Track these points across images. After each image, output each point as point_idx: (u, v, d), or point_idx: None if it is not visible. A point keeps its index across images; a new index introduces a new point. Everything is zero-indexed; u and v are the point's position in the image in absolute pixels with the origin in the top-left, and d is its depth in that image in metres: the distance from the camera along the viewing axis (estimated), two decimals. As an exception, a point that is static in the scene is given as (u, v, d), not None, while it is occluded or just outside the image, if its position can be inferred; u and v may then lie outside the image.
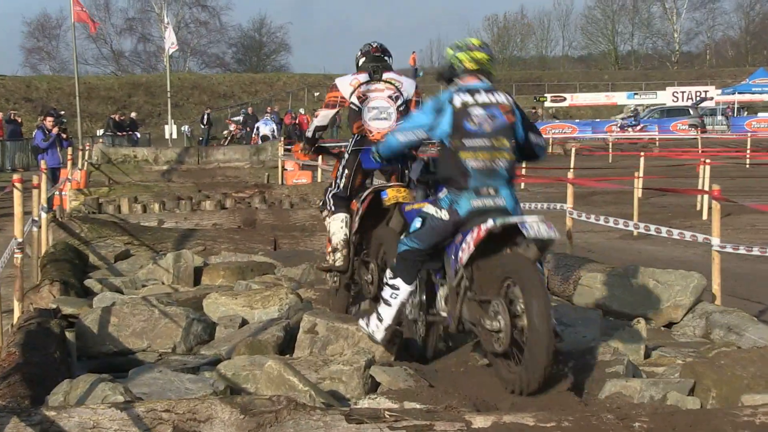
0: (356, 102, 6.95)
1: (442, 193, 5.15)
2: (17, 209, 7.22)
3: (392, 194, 6.51)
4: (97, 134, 41.30)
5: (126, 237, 10.68)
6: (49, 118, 18.56)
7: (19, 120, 38.45)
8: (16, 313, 6.75)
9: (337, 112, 7.22)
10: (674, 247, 11.88)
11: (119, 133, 38.47)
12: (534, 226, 4.71)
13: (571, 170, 11.26)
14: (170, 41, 37.19)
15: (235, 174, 19.55)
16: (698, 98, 52.00)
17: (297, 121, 42.17)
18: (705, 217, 14.48)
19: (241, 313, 6.55)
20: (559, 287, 7.83)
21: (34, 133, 19.25)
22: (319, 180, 19.49)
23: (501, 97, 5.19)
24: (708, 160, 16.91)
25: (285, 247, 10.86)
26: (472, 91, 5.13)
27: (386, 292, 5.36)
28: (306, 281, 8.30)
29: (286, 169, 20.11)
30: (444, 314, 5.22)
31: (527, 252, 4.76)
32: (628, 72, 70.80)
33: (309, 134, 7.28)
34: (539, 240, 4.70)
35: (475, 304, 4.88)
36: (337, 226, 6.87)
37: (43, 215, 9.96)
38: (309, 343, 5.54)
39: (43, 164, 11.58)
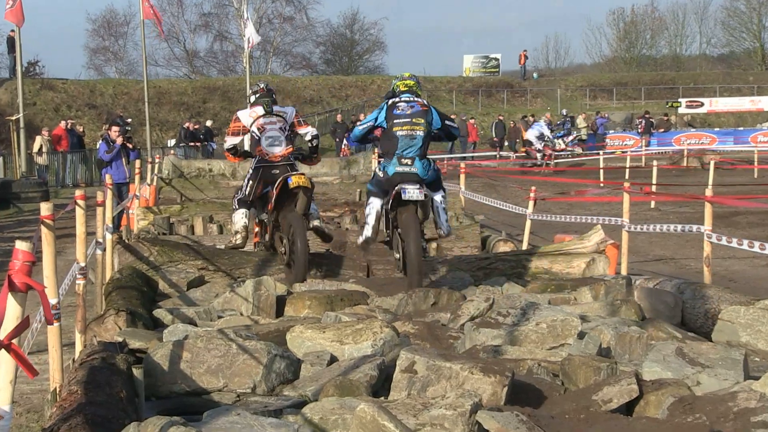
0: (256, 132, 11.31)
1: (381, 162, 9.98)
2: (80, 230, 7.34)
3: (295, 180, 10.65)
4: (168, 145, 42.22)
5: (200, 261, 10.78)
6: (114, 128, 18.92)
7: (81, 129, 39.37)
8: (78, 347, 6.87)
9: (241, 138, 11.56)
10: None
11: (193, 144, 39.29)
12: (410, 192, 9.52)
13: (710, 187, 11.16)
14: (250, 39, 37.78)
15: (322, 190, 19.57)
16: None
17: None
18: None
19: (329, 348, 6.58)
20: (696, 322, 7.74)
21: (98, 145, 19.60)
22: None
23: (419, 100, 10.10)
24: None
25: (379, 274, 10.89)
26: (400, 97, 10.06)
27: (366, 209, 10.08)
28: (403, 313, 8.32)
29: None
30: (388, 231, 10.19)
31: (411, 208, 9.66)
32: (776, 73, 69.17)
33: (226, 150, 11.78)
34: (416, 200, 9.58)
35: (394, 231, 10.06)
36: (239, 217, 11.46)
37: (108, 236, 10.19)
38: (407, 383, 5.53)
39: (108, 179, 11.85)
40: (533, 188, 14.89)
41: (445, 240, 13.11)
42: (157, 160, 22.98)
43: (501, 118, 49.41)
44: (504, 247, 13.63)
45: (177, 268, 10.56)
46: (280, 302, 8.84)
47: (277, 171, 11.09)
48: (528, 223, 14.63)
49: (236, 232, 11.44)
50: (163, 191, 19.51)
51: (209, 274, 10.64)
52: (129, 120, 34.23)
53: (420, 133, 9.68)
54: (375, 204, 9.96)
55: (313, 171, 21.27)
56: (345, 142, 39.06)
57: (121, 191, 17.61)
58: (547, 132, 40.91)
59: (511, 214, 18.18)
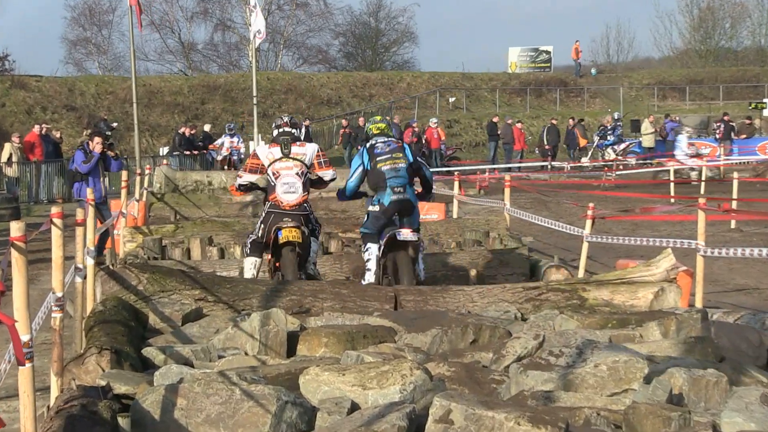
0: (272, 177, 12.79)
1: (374, 197, 12.59)
2: (56, 254, 7.29)
3: (285, 234, 12.54)
4: (161, 153, 42.43)
5: (197, 291, 10.76)
6: (97, 139, 18.61)
7: (58, 135, 39.40)
8: (54, 392, 6.88)
9: (259, 174, 13.06)
10: None
11: (189, 153, 39.47)
12: (404, 233, 12.22)
13: (802, 204, 10.98)
14: (257, 29, 37.80)
15: (341, 207, 19.85)
16: None
17: (424, 138, 42.54)
18: None
19: (350, 394, 6.54)
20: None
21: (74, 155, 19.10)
22: (454, 215, 19.66)
23: (393, 138, 12.98)
24: None
25: (409, 306, 10.83)
26: (375, 139, 12.88)
27: (365, 256, 12.66)
28: (437, 352, 8.28)
29: None
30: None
31: (407, 247, 12.30)
32: None
33: (238, 186, 13.46)
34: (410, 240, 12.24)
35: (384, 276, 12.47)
36: (248, 266, 13.01)
37: (90, 262, 10.22)
38: (442, 436, 5.44)
39: (89, 194, 11.83)
40: (591, 205, 14.80)
41: (487, 266, 13.17)
42: (147, 172, 23.05)
43: (554, 121, 49.27)
44: (556, 275, 13.59)
45: (170, 299, 10.51)
46: (292, 339, 8.77)
47: (289, 219, 12.64)
48: (585, 247, 14.53)
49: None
50: (154, 208, 19.65)
51: (208, 306, 10.60)
52: (115, 124, 34.42)
53: (402, 164, 12.60)
54: (373, 249, 12.57)
55: (331, 185, 21.19)
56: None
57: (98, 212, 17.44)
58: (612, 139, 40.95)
59: (564, 236, 18.14)
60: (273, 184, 12.79)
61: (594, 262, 16.70)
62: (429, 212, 19.52)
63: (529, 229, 20.52)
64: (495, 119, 48.53)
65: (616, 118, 48.12)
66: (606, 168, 40.10)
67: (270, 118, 54.81)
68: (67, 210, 7.83)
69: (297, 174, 12.79)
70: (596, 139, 46.15)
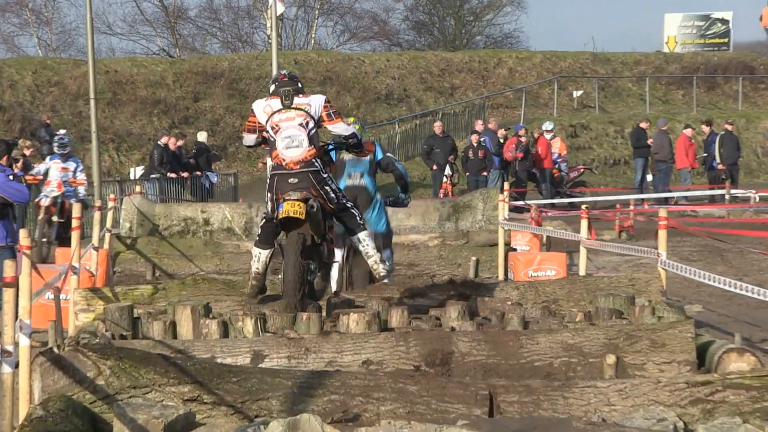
0: (271, 133, 14.76)
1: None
2: None
3: (286, 208, 14.31)
4: (132, 176, 42.26)
5: (188, 387, 10.77)
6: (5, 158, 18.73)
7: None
8: None
9: (258, 134, 15.20)
10: None
11: (175, 174, 39.31)
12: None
13: None
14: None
15: (409, 258, 19.99)
16: None
17: (534, 151, 42.54)
18: None
19: None
20: None
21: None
22: (581, 271, 19.57)
23: (366, 140, 17.92)
24: None
25: (512, 411, 10.79)
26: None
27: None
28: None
29: (514, 249, 20.56)
30: None
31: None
32: None
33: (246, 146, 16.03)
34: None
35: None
36: (254, 260, 15.13)
37: (25, 341, 10.26)
38: None
39: (24, 238, 11.82)
40: (793, 256, 14.69)
41: (631, 350, 13.01)
42: (110, 204, 22.77)
43: (729, 126, 48.13)
44: (739, 363, 13.42)
45: (146, 400, 10.53)
46: (332, 461, 8.72)
47: (296, 181, 14.48)
48: (784, 320, 14.43)
49: (249, 279, 15.58)
50: (121, 260, 20.00)
51: (204, 411, 10.58)
52: (20, 141, 34.23)
53: (365, 159, 17.72)
54: (336, 254, 16.91)
55: (396, 223, 21.37)
56: (448, 170, 39.32)
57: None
58: None
59: (751, 303, 18.22)
60: (273, 139, 14.79)
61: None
62: (543, 266, 19.71)
63: (696, 293, 20.39)
64: (644, 124, 47.47)
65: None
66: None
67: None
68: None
69: (300, 125, 14.70)
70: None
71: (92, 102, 35.31)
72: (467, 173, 43.73)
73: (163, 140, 41.04)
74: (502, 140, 43.07)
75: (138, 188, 31.74)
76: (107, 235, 20.32)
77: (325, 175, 14.90)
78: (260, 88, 52.23)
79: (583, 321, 15.38)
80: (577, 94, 63.56)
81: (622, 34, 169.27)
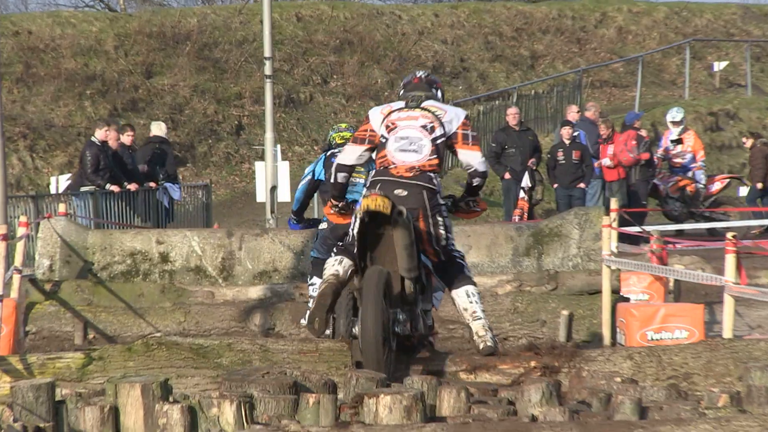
0: (384, 132, 13.14)
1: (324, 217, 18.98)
2: None
3: (365, 203, 12.47)
4: (53, 188, 38.15)
5: None
6: None
7: None
8: None
9: (369, 149, 13.38)
10: None
11: (118, 186, 33.84)
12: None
13: None
14: None
15: (450, 314, 18.30)
16: None
17: (660, 151, 37.84)
18: None
19: None
20: None
21: None
22: (726, 333, 17.65)
23: None
24: None
25: None
26: (338, 149, 17.77)
27: (310, 290, 18.14)
28: None
29: (627, 299, 19.47)
30: None
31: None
32: None
33: (331, 178, 13.93)
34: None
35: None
36: (330, 264, 13.11)
37: None
38: None
39: None
40: None
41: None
42: (21, 231, 20.43)
43: None
44: None
45: None
46: None
47: (404, 194, 12.61)
48: None
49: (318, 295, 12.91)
50: (37, 315, 18.78)
51: None
52: None
53: (360, 180, 16.44)
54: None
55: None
56: (527, 180, 34.74)
57: None
58: None
59: None
60: (384, 140, 13.12)
61: None
62: (669, 324, 18.25)
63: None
64: (745, 141, 42.31)
65: None
66: None
67: (304, 107, 49.11)
68: None
69: (424, 127, 13.02)
70: None
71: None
72: (555, 185, 36.22)
73: (100, 135, 34.90)
74: (609, 134, 36.13)
75: (62, 207, 27.51)
76: (15, 278, 17.89)
77: (442, 203, 13.04)
78: (246, 57, 46.59)
79: (730, 406, 13.27)
80: (719, 66, 56.57)
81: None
